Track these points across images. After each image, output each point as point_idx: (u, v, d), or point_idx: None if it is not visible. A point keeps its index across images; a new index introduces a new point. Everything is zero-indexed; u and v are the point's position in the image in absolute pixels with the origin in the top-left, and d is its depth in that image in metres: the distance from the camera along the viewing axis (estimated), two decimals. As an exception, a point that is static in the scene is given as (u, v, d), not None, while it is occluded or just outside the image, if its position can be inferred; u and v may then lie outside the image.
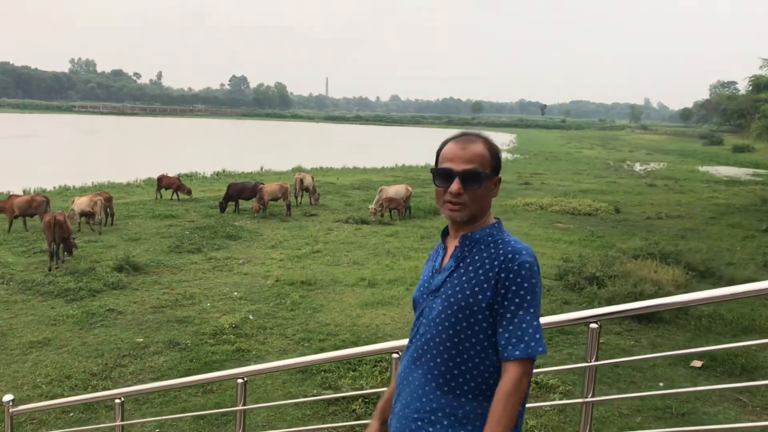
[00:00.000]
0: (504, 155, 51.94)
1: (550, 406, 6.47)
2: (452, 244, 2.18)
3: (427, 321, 2.10)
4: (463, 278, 2.06)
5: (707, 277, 11.75)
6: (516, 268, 2.01)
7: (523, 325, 1.98)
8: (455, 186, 2.08)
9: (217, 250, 14.28)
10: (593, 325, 2.41)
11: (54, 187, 24.82)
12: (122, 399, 3.58)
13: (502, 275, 2.01)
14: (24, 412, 4.70)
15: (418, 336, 2.12)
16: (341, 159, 40.07)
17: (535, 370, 2.07)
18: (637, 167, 41.38)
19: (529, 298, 2.00)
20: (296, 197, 21.18)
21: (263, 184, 20.01)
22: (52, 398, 7.09)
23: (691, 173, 38.49)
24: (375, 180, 29.26)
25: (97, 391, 7.35)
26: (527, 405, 2.08)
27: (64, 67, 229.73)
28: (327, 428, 6.32)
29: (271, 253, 14.11)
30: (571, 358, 8.00)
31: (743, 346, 8.32)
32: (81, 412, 6.78)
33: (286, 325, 9.43)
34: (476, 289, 2.03)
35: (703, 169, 42.61)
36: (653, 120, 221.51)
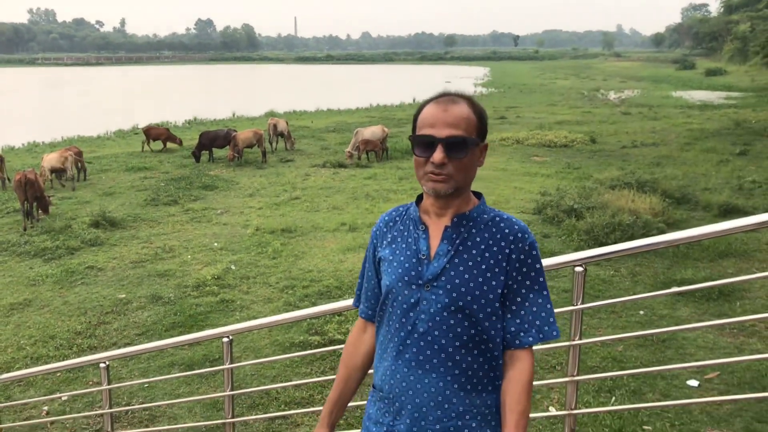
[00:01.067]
0: (478, 89, 51.74)
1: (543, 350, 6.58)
2: (437, 224, 1.89)
3: (428, 316, 1.82)
4: (469, 264, 1.81)
5: (683, 203, 11.88)
6: (527, 248, 1.83)
7: (536, 309, 1.84)
8: (438, 155, 1.79)
9: (194, 201, 14.13)
10: (578, 269, 2.40)
11: (22, 144, 24.26)
12: (107, 363, 3.55)
13: (514, 257, 1.82)
14: (8, 380, 4.66)
15: (415, 336, 1.83)
16: (314, 101, 39.51)
17: None
18: (611, 96, 41.34)
19: (541, 279, 1.86)
20: (271, 143, 20.92)
21: (236, 131, 19.71)
22: (37, 359, 7.07)
23: (665, 99, 38.55)
24: (350, 121, 28.96)
25: (82, 349, 7.35)
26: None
27: (22, 18, 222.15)
28: (314, 377, 6.39)
29: (249, 201, 14.00)
30: (556, 300, 8.11)
31: (720, 271, 8.51)
32: (68, 371, 6.76)
33: (269, 274, 9.42)
34: (488, 275, 1.80)
35: (676, 94, 42.68)
36: (626, 47, 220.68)
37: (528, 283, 1.84)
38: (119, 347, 7.27)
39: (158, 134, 21.56)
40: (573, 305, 2.43)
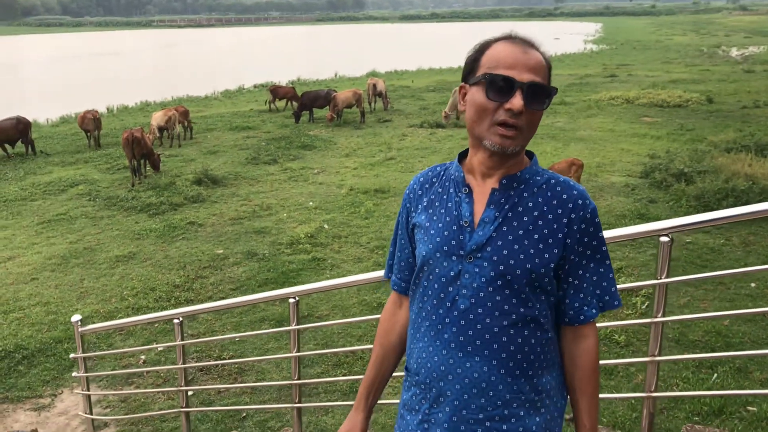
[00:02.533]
0: (589, 46, 49.57)
1: (621, 326, 6.25)
2: (482, 186, 1.64)
3: (471, 292, 1.59)
4: (519, 232, 1.58)
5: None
6: (589, 216, 1.60)
7: (597, 279, 1.63)
8: (518, 102, 1.51)
9: (293, 160, 14.34)
10: (664, 239, 2.15)
11: (135, 103, 25.40)
12: (180, 319, 3.61)
13: (575, 227, 1.59)
14: (93, 331, 4.88)
15: (455, 314, 1.61)
16: (416, 61, 39.10)
17: None
18: (734, 52, 38.44)
19: (603, 249, 1.63)
20: (370, 103, 20.88)
21: (336, 91, 19.78)
22: (137, 310, 7.41)
23: (795, 56, 35.51)
24: (451, 81, 28.46)
25: (179, 302, 7.64)
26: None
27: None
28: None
29: (345, 161, 14.06)
30: (655, 259, 7.67)
31: None
32: (165, 323, 7.03)
33: (361, 233, 9.43)
34: (540, 246, 1.57)
35: (808, 50, 39.23)
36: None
37: (590, 253, 1.62)
38: (214, 301, 7.50)
39: (285, 93, 21.80)
40: (657, 279, 2.19)
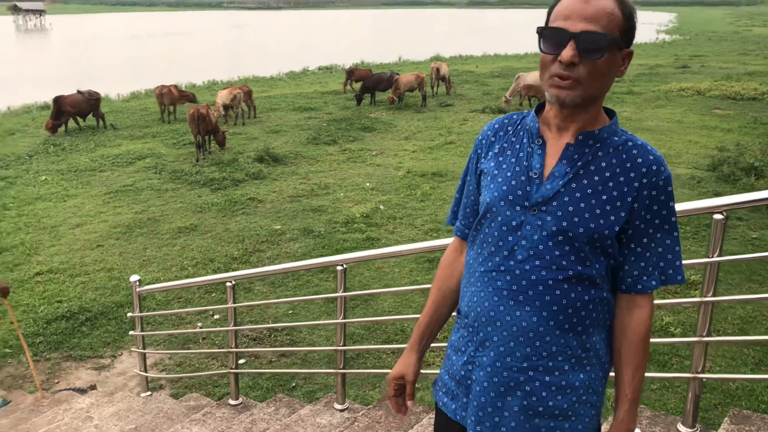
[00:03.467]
0: (661, 36, 48.04)
1: (668, 304, 6.09)
2: (556, 139, 1.61)
3: (530, 243, 1.58)
4: (588, 191, 1.55)
5: None
6: (662, 183, 1.56)
7: (662, 250, 1.60)
8: (568, 52, 1.49)
9: (352, 141, 14.43)
10: (717, 216, 2.09)
11: (203, 82, 25.96)
12: (233, 282, 3.71)
13: (645, 192, 1.55)
14: (149, 291, 5.06)
15: (512, 263, 1.60)
16: (482, 46, 38.66)
17: None
18: (818, 45, 36.65)
19: (673, 219, 1.59)
20: (432, 87, 20.78)
21: (398, 74, 19.76)
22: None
23: None
24: (516, 67, 28.06)
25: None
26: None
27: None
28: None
29: (404, 144, 14.06)
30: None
31: None
32: (222, 293, 7.23)
33: (416, 216, 9.45)
34: (607, 207, 1.54)
35: None
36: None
37: (658, 222, 1.58)
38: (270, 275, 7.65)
39: (361, 75, 21.84)
40: (708, 257, 2.13)
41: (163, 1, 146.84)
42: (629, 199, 1.55)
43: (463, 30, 65.63)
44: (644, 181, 1.55)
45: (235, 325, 3.71)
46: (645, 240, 1.59)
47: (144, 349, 4.84)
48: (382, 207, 9.86)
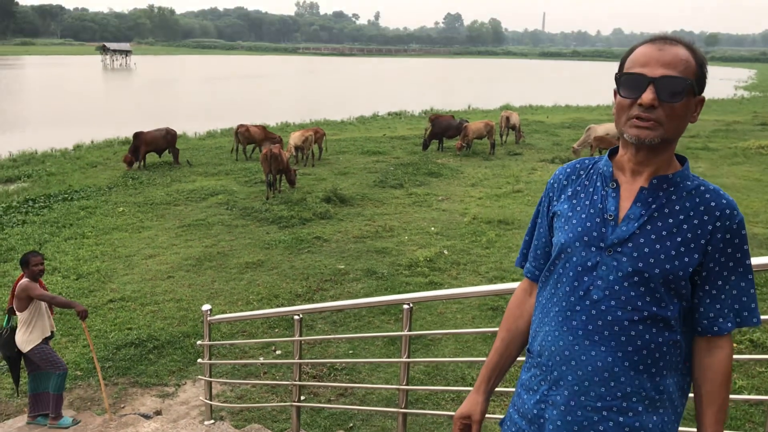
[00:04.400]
0: (739, 92, 46.90)
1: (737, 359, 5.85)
2: (630, 183, 1.67)
3: (606, 284, 1.62)
4: (663, 233, 1.59)
5: None
6: (735, 227, 1.59)
7: (738, 293, 1.62)
8: (648, 95, 1.56)
9: (418, 186, 14.56)
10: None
11: (276, 123, 26.74)
12: (300, 315, 3.79)
13: (719, 235, 1.58)
14: (219, 321, 5.20)
15: (587, 303, 1.64)
16: (552, 97, 38.60)
17: None
18: None
19: (747, 262, 1.61)
20: (501, 135, 20.81)
21: (467, 122, 19.89)
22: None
23: None
24: (587, 119, 27.84)
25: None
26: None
27: (290, 11, 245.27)
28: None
29: (470, 191, 14.09)
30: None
31: None
32: (285, 329, 7.35)
33: (480, 262, 9.41)
34: (682, 249, 1.58)
35: None
36: None
37: (732, 265, 1.61)
38: (332, 314, 7.73)
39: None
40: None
41: (242, 45, 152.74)
42: (703, 241, 1.58)
43: (534, 80, 65.70)
44: (718, 224, 1.58)
45: (300, 358, 3.78)
46: (720, 282, 1.61)
47: (210, 377, 4.95)
48: (446, 252, 9.87)
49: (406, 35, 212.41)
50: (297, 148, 16.69)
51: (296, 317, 3.75)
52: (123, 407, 5.99)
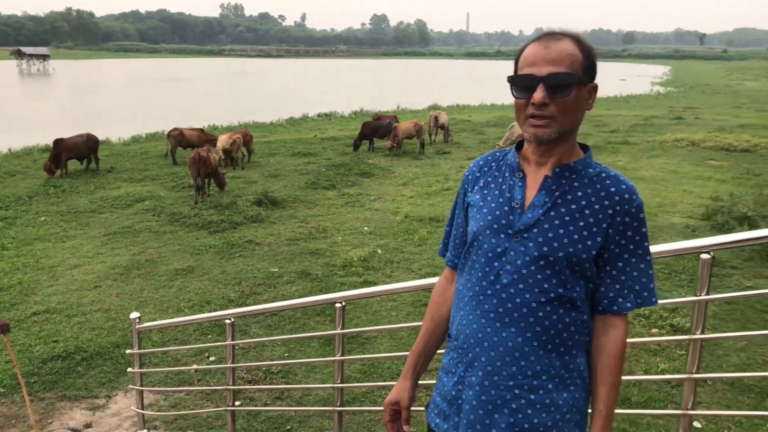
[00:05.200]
0: (656, 88, 48.86)
1: (657, 342, 6.12)
2: (535, 173, 1.75)
3: (514, 268, 1.70)
4: (566, 218, 1.67)
5: None
6: (634, 211, 1.68)
7: (637, 274, 1.71)
8: (539, 95, 1.64)
9: (351, 186, 14.58)
10: (705, 256, 2.17)
11: (204, 126, 26.22)
12: (232, 319, 3.75)
13: (619, 219, 1.67)
14: (149, 328, 5.09)
15: (498, 287, 1.72)
16: (478, 96, 39.28)
17: None
18: (809, 99, 37.29)
19: (645, 244, 1.71)
20: (430, 135, 21.06)
21: (397, 122, 20.04)
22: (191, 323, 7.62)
23: None
24: (512, 117, 28.42)
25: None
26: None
27: (214, 12, 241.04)
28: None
29: (402, 190, 14.21)
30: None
31: None
32: (218, 335, 7.23)
33: (413, 260, 9.50)
34: (584, 233, 1.66)
35: None
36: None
37: (632, 247, 1.69)
38: (266, 317, 7.67)
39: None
40: (696, 296, 2.20)
41: (166, 48, 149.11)
42: (604, 225, 1.67)
43: (461, 80, 66.67)
44: (618, 208, 1.67)
45: (233, 363, 3.74)
46: (620, 264, 1.70)
47: (141, 386, 4.83)
48: (379, 251, 9.92)
49: (333, 36, 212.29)
50: (225, 151, 16.45)
51: (228, 321, 3.71)
52: (51, 422, 5.78)
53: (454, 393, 1.80)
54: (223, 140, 16.53)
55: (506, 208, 1.75)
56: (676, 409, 5.02)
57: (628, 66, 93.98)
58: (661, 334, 6.53)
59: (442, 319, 1.97)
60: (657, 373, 5.75)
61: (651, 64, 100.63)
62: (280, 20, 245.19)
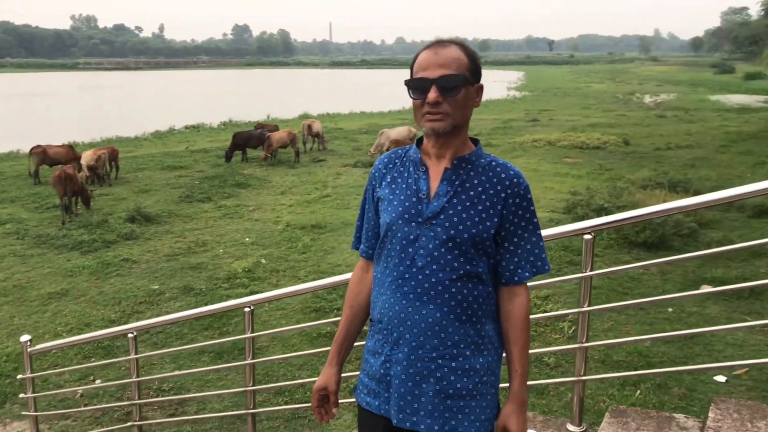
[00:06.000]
0: (512, 93, 51.51)
1: (546, 318, 6.60)
2: (436, 165, 1.98)
3: (427, 252, 1.90)
4: (467, 204, 1.90)
5: (717, 204, 11.69)
6: (523, 192, 1.93)
7: (530, 246, 1.96)
8: (433, 94, 1.87)
9: (227, 198, 14.38)
10: (587, 237, 2.45)
11: (62, 144, 24.84)
12: (134, 333, 3.70)
13: (510, 201, 1.91)
14: (41, 351, 4.87)
15: (414, 270, 1.92)
16: (348, 104, 39.77)
17: (535, 283, 2.08)
18: (647, 99, 40.69)
19: (535, 220, 1.97)
20: (305, 143, 21.13)
21: (269, 131, 19.96)
22: (72, 346, 7.27)
23: (702, 103, 37.92)
24: (382, 124, 29.08)
25: (115, 337, 7.53)
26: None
27: (65, 24, 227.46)
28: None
29: (280, 199, 14.20)
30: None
31: (752, 269, 8.39)
32: (102, 357, 6.97)
33: (299, 267, 9.56)
34: (483, 215, 1.89)
35: (714, 98, 41.92)
36: (664, 51, 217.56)
37: (524, 224, 1.94)
38: (152, 335, 7.47)
39: (270, 130, 20.98)
40: (582, 272, 2.48)
41: (11, 62, 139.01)
42: (499, 207, 1.91)
43: (329, 88, 67.12)
44: (509, 191, 1.92)
45: (138, 376, 3.68)
46: (516, 239, 1.94)
47: (36, 411, 4.61)
48: (264, 261, 9.90)
49: (194, 47, 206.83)
50: (90, 168, 15.71)
51: (130, 335, 3.65)
52: None
53: (382, 371, 1.97)
54: (87, 157, 15.79)
55: (414, 199, 1.95)
56: (566, 404, 5.44)
57: (485, 72, 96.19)
58: (539, 321, 6.98)
59: (361, 306, 2.16)
60: (537, 358, 6.18)
61: (506, 70, 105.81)
62: (137, 32, 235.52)
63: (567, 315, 7.08)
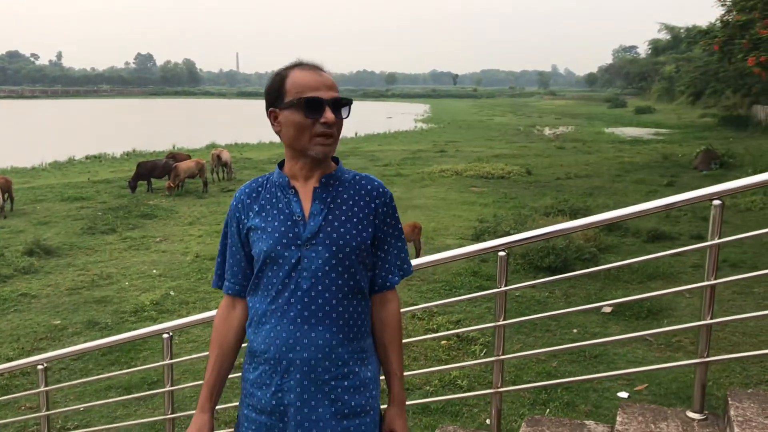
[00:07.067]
0: (419, 125, 52.63)
1: (463, 333, 6.75)
2: (305, 186, 1.99)
3: (311, 273, 1.90)
4: (342, 218, 1.94)
5: (614, 230, 12.34)
6: (388, 200, 2.02)
7: (398, 252, 2.05)
8: (329, 114, 1.89)
9: (132, 229, 13.95)
10: (501, 253, 2.58)
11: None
12: (45, 365, 3.55)
13: (380, 210, 1.99)
14: None
15: (299, 293, 1.90)
16: (256, 134, 39.49)
17: (447, 301, 2.15)
18: (547, 131, 42.61)
19: (399, 226, 2.06)
20: (213, 173, 20.81)
21: (175, 161, 19.55)
22: (-34, 385, 6.85)
23: (598, 135, 39.97)
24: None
25: (14, 375, 7.15)
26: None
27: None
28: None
29: (189, 229, 13.90)
30: (489, 311, 8.32)
31: (648, 290, 8.89)
32: (3, 393, 6.58)
33: (210, 299, 9.38)
34: (359, 227, 1.95)
35: (608, 130, 44.26)
36: (561, 86, 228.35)
37: (392, 230, 2.03)
38: (54, 372, 7.12)
39: (182, 159, 20.83)
40: (498, 287, 2.60)
41: None
42: (371, 217, 1.98)
43: (236, 118, 66.40)
44: (377, 201, 2.00)
45: (48, 410, 3.52)
46: (386, 246, 2.03)
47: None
48: (172, 293, 9.64)
49: (95, 76, 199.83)
50: (-17, 199, 14.90)
51: (40, 367, 3.50)
52: None
53: (274, 402, 1.92)
54: (-21, 187, 14.97)
55: (289, 223, 1.94)
56: (471, 414, 5.58)
57: (392, 105, 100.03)
58: (447, 339, 7.14)
59: (230, 345, 2.09)
60: (450, 380, 6.31)
61: (412, 102, 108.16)
62: (32, 59, 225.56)
63: (479, 336, 7.29)
